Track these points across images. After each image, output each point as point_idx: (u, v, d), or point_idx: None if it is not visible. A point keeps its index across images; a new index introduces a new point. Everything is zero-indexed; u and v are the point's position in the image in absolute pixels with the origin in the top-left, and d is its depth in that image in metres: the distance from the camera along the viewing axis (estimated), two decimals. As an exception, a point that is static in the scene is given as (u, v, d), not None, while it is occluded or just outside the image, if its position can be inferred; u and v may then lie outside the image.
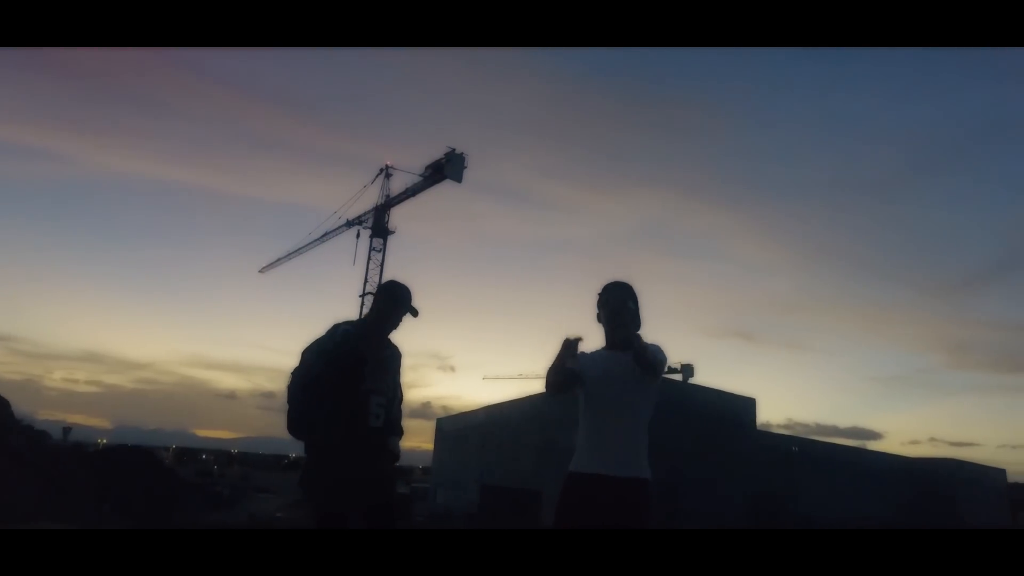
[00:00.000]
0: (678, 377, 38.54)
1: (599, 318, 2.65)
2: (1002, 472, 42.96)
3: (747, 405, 29.78)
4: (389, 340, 3.10)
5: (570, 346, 2.45)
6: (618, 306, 2.61)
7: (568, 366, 2.49)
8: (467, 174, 32.84)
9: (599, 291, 2.68)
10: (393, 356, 3.10)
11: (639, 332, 2.57)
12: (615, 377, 2.53)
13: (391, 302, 3.05)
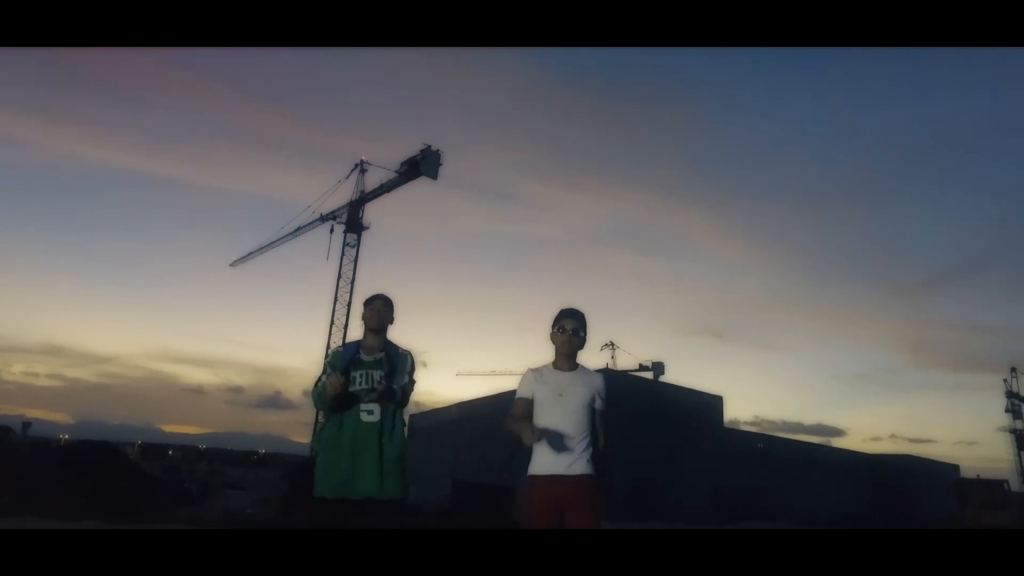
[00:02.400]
0: (649, 375, 39.13)
1: (552, 337, 3.06)
2: (956, 467, 44.54)
3: (715, 403, 30.35)
4: (387, 343, 3.36)
5: (527, 439, 2.77)
6: (573, 333, 3.01)
7: (524, 442, 2.84)
8: (443, 171, 32.80)
9: (557, 314, 3.07)
10: (389, 357, 3.31)
11: (579, 351, 3.05)
12: (563, 394, 2.95)
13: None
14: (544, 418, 2.94)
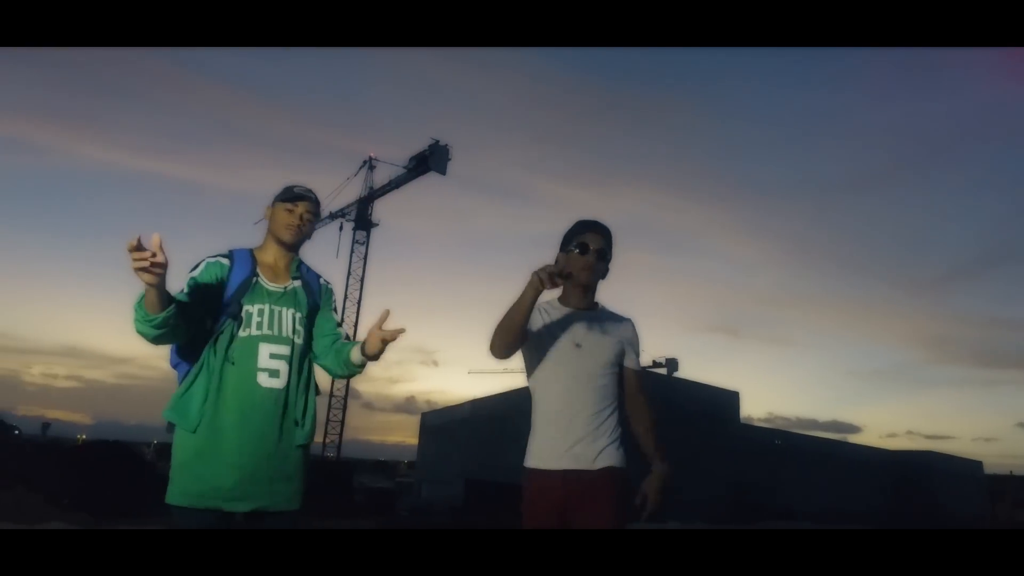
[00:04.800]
0: (663, 371, 38.81)
1: (569, 261, 2.10)
2: (979, 464, 43.90)
3: (731, 399, 30.02)
4: (301, 266, 2.23)
5: (550, 279, 1.83)
6: (598, 256, 2.09)
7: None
8: (452, 168, 32.62)
9: (572, 227, 2.16)
10: (309, 288, 2.20)
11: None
12: (580, 343, 2.08)
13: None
14: (549, 382, 2.07)
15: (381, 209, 35.60)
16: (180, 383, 2.03)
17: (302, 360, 2.09)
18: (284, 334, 2.05)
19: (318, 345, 2.17)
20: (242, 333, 2.00)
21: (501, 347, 1.99)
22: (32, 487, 10.34)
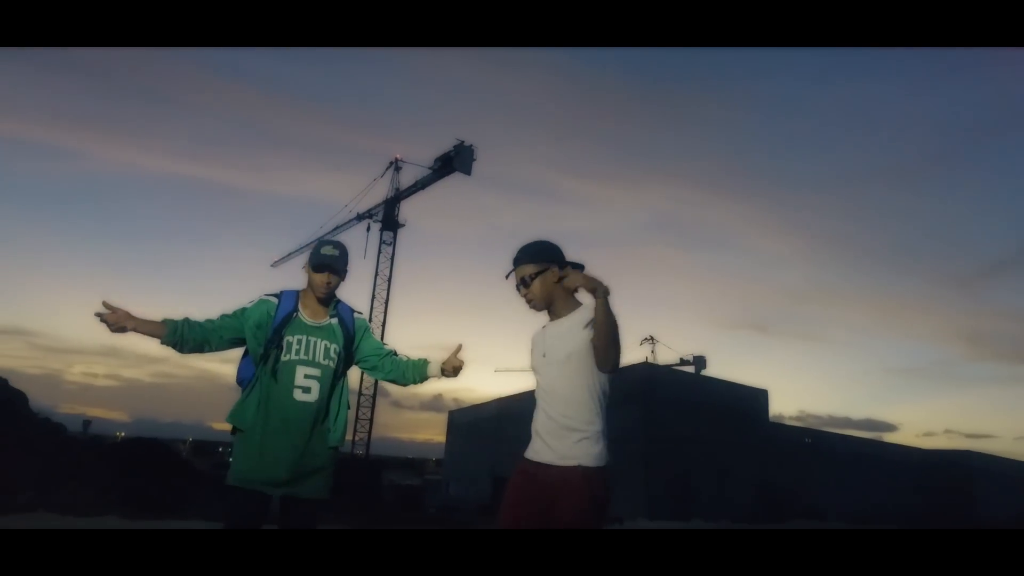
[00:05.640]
0: (691, 369, 38.43)
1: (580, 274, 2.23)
2: (1022, 464, 42.45)
3: (759, 396, 29.62)
4: (339, 305, 2.70)
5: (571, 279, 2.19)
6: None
7: None
8: (477, 168, 32.78)
9: (549, 244, 2.40)
10: (344, 324, 2.68)
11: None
12: (546, 352, 2.30)
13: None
14: (537, 393, 2.34)
15: (407, 210, 35.95)
16: (241, 394, 2.57)
17: (333, 380, 2.59)
18: (317, 360, 2.55)
19: (370, 363, 2.73)
20: (284, 358, 2.52)
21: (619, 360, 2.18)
22: (83, 483, 10.79)
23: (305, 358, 2.53)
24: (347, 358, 2.66)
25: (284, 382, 2.50)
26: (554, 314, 2.38)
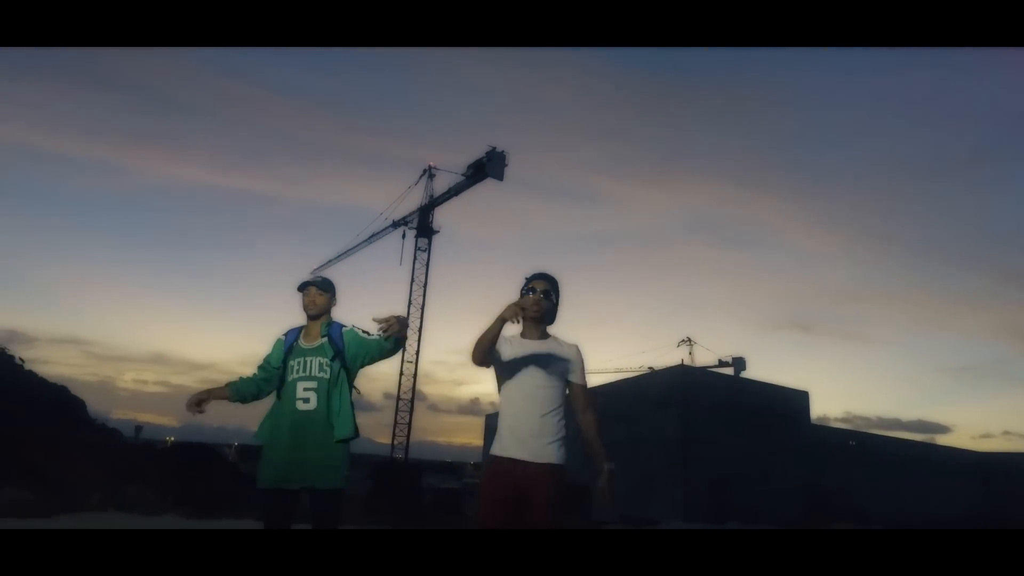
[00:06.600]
0: (730, 371, 37.77)
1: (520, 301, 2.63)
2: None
3: (800, 398, 28.98)
4: (331, 326, 3.16)
5: (514, 313, 2.45)
6: (544, 296, 2.71)
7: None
8: (510, 172, 33.00)
9: (527, 277, 2.80)
10: (333, 340, 3.12)
11: (551, 324, 2.80)
12: (530, 365, 2.64)
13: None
14: (510, 393, 2.64)
15: (441, 216, 36.40)
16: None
17: (330, 388, 3.04)
18: (312, 373, 3.05)
19: (367, 357, 3.13)
20: (288, 377, 3.07)
21: (475, 358, 2.59)
22: (145, 485, 11.38)
23: (303, 374, 3.05)
24: (346, 366, 3.10)
25: (288, 398, 3.03)
26: (537, 333, 2.75)
